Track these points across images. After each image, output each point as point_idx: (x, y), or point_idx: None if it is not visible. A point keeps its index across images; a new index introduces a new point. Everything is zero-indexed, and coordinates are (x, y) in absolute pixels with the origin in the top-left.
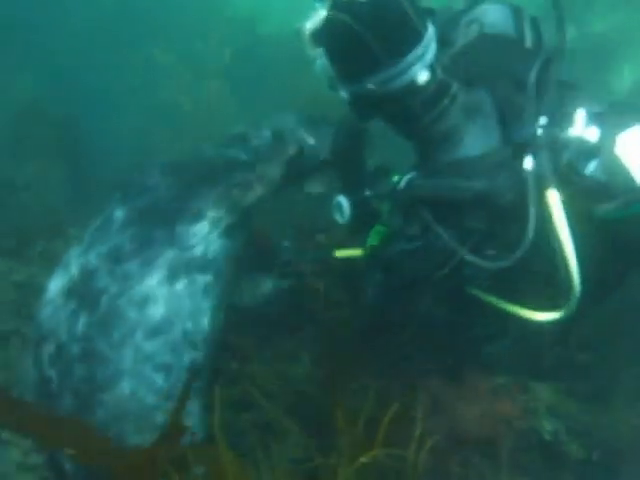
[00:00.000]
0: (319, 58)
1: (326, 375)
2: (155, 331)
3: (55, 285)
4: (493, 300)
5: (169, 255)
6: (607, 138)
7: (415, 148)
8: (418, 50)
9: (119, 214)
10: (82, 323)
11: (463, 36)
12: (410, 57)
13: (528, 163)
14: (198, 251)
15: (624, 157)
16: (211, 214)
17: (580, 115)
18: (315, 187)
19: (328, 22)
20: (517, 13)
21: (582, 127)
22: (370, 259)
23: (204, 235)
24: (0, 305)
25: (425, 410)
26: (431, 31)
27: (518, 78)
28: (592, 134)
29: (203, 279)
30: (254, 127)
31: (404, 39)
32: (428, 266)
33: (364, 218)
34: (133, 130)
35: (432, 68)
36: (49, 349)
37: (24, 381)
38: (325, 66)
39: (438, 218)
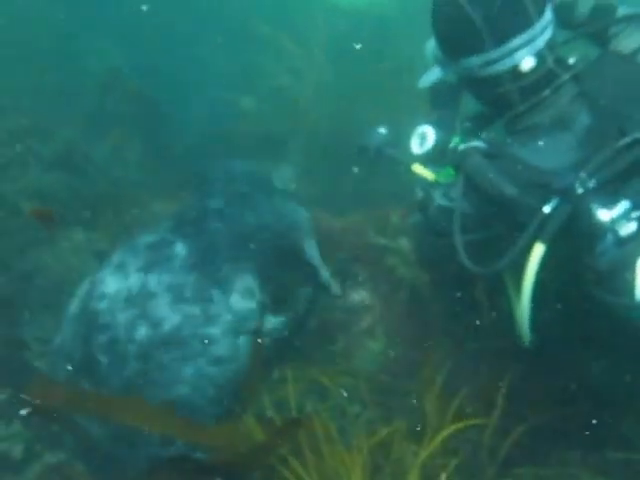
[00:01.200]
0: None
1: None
2: (218, 361)
3: (111, 284)
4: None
5: (227, 318)
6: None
7: (492, 120)
8: (525, 35)
9: (180, 250)
10: (142, 333)
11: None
12: (516, 41)
13: (547, 208)
14: (251, 325)
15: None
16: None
17: (624, 205)
18: None
19: None
20: None
21: (622, 214)
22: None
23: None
24: (82, 275)
25: None
26: (548, 17)
27: (622, 126)
28: (628, 228)
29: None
30: None
31: (512, 22)
32: (436, 228)
33: (440, 156)
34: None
35: (541, 56)
36: (103, 339)
37: (61, 351)
38: (432, 46)
39: (468, 194)
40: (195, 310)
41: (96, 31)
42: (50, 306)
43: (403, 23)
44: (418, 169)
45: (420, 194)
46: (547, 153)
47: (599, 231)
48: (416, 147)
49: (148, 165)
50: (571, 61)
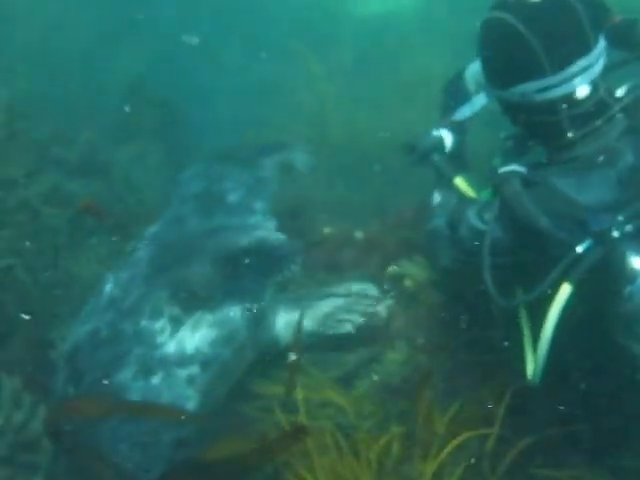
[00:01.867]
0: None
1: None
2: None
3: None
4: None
5: (138, 352)
6: None
7: (535, 147)
8: (584, 61)
9: (108, 289)
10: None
11: None
12: (574, 68)
13: (580, 248)
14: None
15: None
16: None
17: None
18: None
19: (490, 21)
20: None
21: None
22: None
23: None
24: None
25: None
26: (602, 45)
27: None
28: None
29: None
30: None
31: (571, 48)
32: (464, 246)
33: (455, 160)
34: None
35: (595, 84)
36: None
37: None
38: (475, 69)
39: (502, 220)
40: (106, 354)
41: (121, 39)
42: (75, 313)
43: (421, 33)
44: (461, 184)
45: (438, 199)
46: (587, 188)
47: (630, 277)
48: (436, 156)
49: (169, 170)
50: (620, 93)
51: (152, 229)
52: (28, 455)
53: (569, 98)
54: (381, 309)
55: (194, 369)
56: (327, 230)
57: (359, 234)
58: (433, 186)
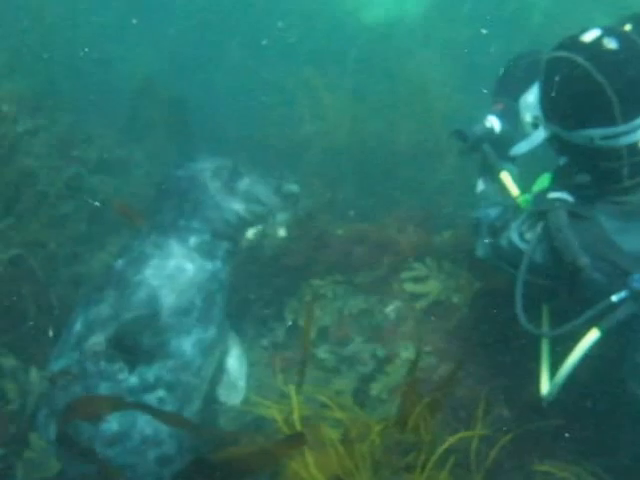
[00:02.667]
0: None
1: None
2: (113, 440)
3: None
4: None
5: (105, 386)
6: None
7: (588, 183)
8: None
9: (77, 327)
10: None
11: None
12: None
13: (616, 297)
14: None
15: None
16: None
17: None
18: None
19: (563, 62)
20: None
21: None
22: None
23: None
24: None
25: None
26: None
27: None
28: None
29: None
30: None
31: None
32: (502, 256)
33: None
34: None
35: None
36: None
37: None
38: (531, 100)
39: (542, 245)
40: (80, 388)
41: (133, 38)
42: None
43: (421, 42)
44: (506, 178)
45: (482, 187)
46: (632, 235)
47: None
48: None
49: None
50: None
51: (118, 264)
52: None
53: (633, 147)
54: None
55: (161, 392)
56: (340, 231)
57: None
58: (478, 174)
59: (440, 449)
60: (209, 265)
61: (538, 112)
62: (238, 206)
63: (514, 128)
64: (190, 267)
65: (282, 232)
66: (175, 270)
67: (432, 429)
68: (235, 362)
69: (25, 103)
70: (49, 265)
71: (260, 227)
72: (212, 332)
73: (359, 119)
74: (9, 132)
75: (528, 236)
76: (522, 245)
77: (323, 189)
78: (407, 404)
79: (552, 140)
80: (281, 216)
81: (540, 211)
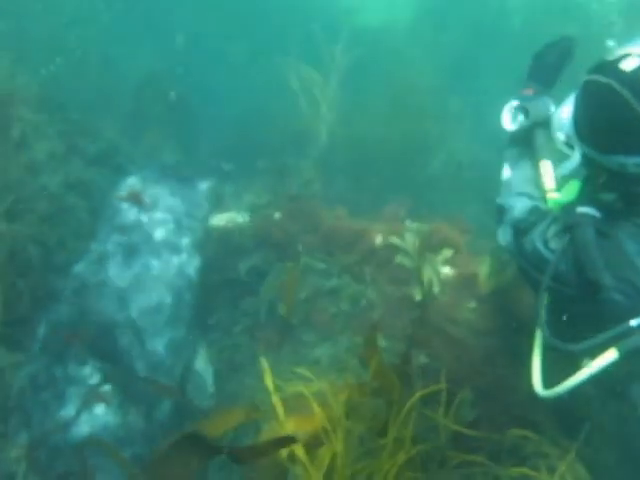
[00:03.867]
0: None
1: None
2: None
3: None
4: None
5: (75, 391)
6: None
7: (614, 203)
8: None
9: (41, 332)
10: None
11: None
12: None
13: (635, 322)
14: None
15: None
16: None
17: None
18: None
19: (600, 87)
20: None
21: None
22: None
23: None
24: None
25: None
26: None
27: None
28: None
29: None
30: None
31: None
32: (525, 256)
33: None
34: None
35: None
36: None
37: None
38: (564, 118)
39: (567, 257)
40: (49, 395)
41: (137, 36)
42: None
43: (410, 46)
44: (546, 168)
45: (508, 174)
46: None
47: None
48: (508, 122)
49: (182, 163)
50: None
51: (77, 267)
52: None
53: None
54: None
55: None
56: (329, 219)
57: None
58: (510, 158)
59: (407, 405)
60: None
61: (571, 131)
62: None
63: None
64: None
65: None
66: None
67: (399, 390)
68: (202, 363)
69: (30, 99)
70: (46, 257)
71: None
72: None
73: (352, 117)
74: (14, 128)
75: (553, 245)
76: (546, 253)
77: (316, 182)
78: (368, 350)
79: (583, 158)
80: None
81: (568, 224)
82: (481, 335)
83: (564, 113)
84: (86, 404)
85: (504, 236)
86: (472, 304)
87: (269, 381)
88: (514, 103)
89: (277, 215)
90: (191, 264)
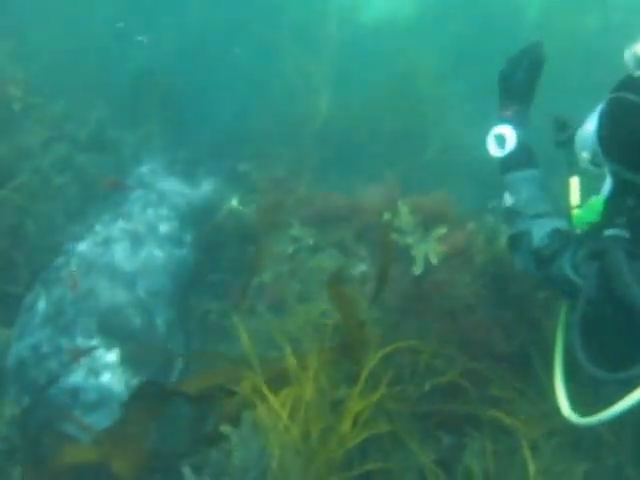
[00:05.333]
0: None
1: None
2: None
3: None
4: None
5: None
6: None
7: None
8: None
9: (41, 306)
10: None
11: None
12: None
13: None
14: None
15: None
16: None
17: None
18: None
19: (629, 104)
20: None
21: None
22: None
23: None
24: None
25: None
26: None
27: None
28: None
29: None
30: None
31: None
32: (549, 279)
33: (524, 155)
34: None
35: None
36: None
37: None
38: (588, 137)
39: (600, 283)
40: (53, 364)
41: (133, 30)
42: None
43: (411, 41)
44: (574, 185)
45: (510, 201)
46: None
47: None
48: (494, 149)
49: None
50: None
51: (81, 246)
52: None
53: None
54: None
55: None
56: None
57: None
58: (508, 185)
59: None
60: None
61: (597, 149)
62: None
63: (528, 132)
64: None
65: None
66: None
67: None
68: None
69: (25, 86)
70: (39, 235)
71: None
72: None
73: (348, 104)
74: (6, 111)
75: (584, 270)
76: (576, 279)
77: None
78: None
79: (612, 176)
80: None
81: (598, 250)
82: (474, 308)
83: (587, 131)
84: (73, 360)
85: (524, 264)
86: (467, 278)
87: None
88: (496, 129)
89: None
90: (190, 257)
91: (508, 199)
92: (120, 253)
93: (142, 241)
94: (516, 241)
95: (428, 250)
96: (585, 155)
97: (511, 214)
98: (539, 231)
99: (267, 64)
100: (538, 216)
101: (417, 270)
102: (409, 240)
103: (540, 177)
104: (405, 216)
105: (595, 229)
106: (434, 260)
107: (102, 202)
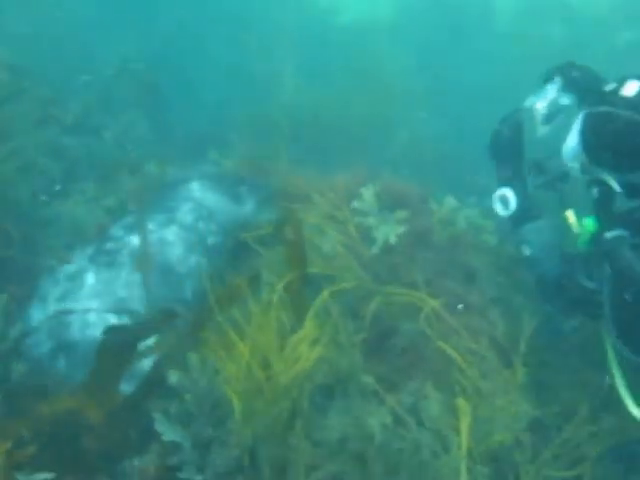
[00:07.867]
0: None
1: None
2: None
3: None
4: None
5: None
6: None
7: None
8: None
9: (90, 280)
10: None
11: None
12: None
13: None
14: None
15: None
16: None
17: None
18: None
19: (609, 117)
20: None
21: None
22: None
23: None
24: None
25: None
26: None
27: None
28: None
29: None
30: None
31: None
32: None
33: (528, 209)
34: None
35: None
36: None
37: None
38: (572, 150)
39: (615, 282)
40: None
41: (114, 21)
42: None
43: (390, 41)
44: (570, 217)
45: (527, 252)
46: None
47: None
48: (500, 210)
49: (152, 141)
50: None
51: (134, 239)
52: None
53: None
54: None
55: None
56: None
57: None
58: (523, 238)
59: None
60: None
61: (584, 159)
62: None
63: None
64: None
65: None
66: None
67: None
68: None
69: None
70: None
71: None
72: None
73: (323, 99)
74: None
75: (598, 275)
76: (592, 285)
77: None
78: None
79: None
80: None
81: (603, 252)
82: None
83: (570, 147)
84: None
85: (551, 301)
86: (428, 254)
87: None
88: (499, 192)
89: None
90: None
91: (526, 250)
92: (174, 256)
93: (193, 249)
94: (542, 283)
95: (388, 231)
96: (576, 166)
97: (531, 261)
98: (553, 268)
99: (248, 63)
100: (554, 255)
101: (375, 249)
102: (371, 221)
103: (546, 223)
104: (368, 199)
105: (595, 238)
106: (392, 240)
107: (153, 204)
